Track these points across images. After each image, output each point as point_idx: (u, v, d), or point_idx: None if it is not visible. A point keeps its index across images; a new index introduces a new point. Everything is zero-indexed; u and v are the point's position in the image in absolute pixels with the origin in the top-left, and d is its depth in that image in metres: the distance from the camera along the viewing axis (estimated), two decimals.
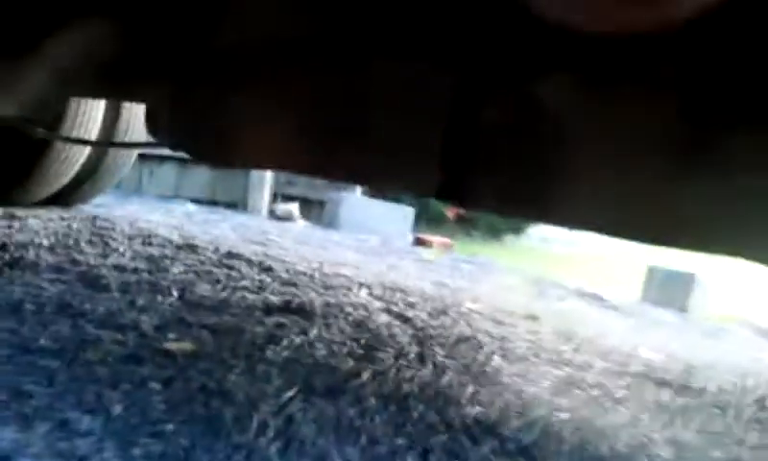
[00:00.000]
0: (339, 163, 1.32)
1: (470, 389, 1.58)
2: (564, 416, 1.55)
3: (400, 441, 1.17)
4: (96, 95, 2.24)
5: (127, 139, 2.80)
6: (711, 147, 1.04)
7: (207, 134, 1.37)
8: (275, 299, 1.92)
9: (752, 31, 0.98)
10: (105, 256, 2.14)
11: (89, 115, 2.69)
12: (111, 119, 2.83)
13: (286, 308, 1.85)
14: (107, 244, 2.33)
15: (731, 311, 5.16)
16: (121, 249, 2.28)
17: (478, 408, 1.45)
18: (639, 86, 1.07)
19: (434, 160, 1.19)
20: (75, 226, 2.63)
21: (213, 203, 6.42)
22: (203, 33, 1.32)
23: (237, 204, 6.73)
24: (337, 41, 1.20)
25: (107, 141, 2.75)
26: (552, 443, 1.35)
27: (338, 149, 1.26)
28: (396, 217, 6.15)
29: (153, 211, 4.09)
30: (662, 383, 2.05)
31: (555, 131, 1.09)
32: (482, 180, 1.18)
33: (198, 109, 1.35)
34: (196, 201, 6.05)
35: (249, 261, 2.44)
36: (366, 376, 1.45)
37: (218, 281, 2.02)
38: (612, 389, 1.86)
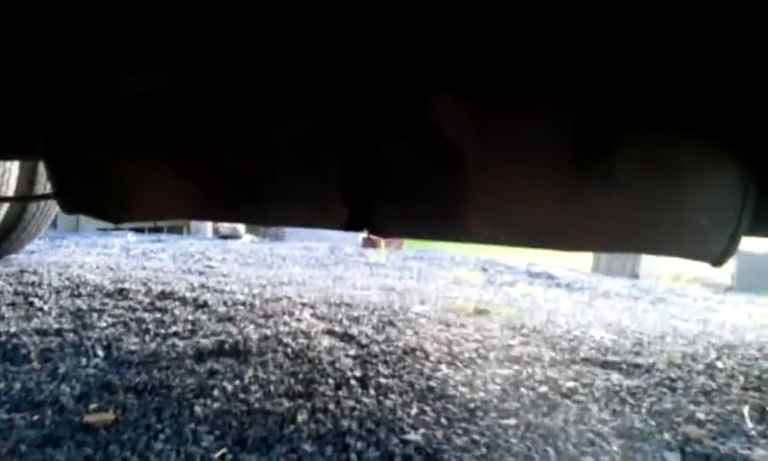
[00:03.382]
0: (241, 212, 1.26)
1: (414, 410, 1.54)
2: (512, 422, 1.52)
3: None
4: None
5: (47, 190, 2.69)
6: (604, 156, 1.03)
7: (105, 197, 1.30)
8: (207, 342, 1.85)
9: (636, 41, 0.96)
10: (28, 319, 2.03)
11: (6, 169, 2.57)
12: (30, 171, 2.72)
13: (219, 351, 1.77)
14: (30, 304, 2.21)
15: (682, 270, 5.25)
16: (46, 307, 2.17)
17: (421, 431, 1.41)
18: (531, 100, 1.04)
19: (336, 197, 1.15)
20: None
21: (156, 229, 6.26)
22: (89, 91, 1.24)
23: (181, 227, 6.58)
24: (228, 94, 1.15)
25: (24, 195, 2.63)
26: (497, 457, 1.32)
27: (237, 200, 1.20)
28: None
29: (88, 251, 3.95)
30: (612, 366, 2.05)
31: (451, 154, 1.06)
32: (386, 208, 1.14)
33: (90, 171, 1.28)
34: (138, 230, 5.89)
35: (182, 300, 2.35)
36: (302, 417, 1.40)
37: (147, 331, 1.93)
38: (561, 381, 1.84)
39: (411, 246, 5.53)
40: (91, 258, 3.57)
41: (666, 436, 1.52)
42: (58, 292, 2.43)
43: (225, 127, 1.14)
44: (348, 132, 1.10)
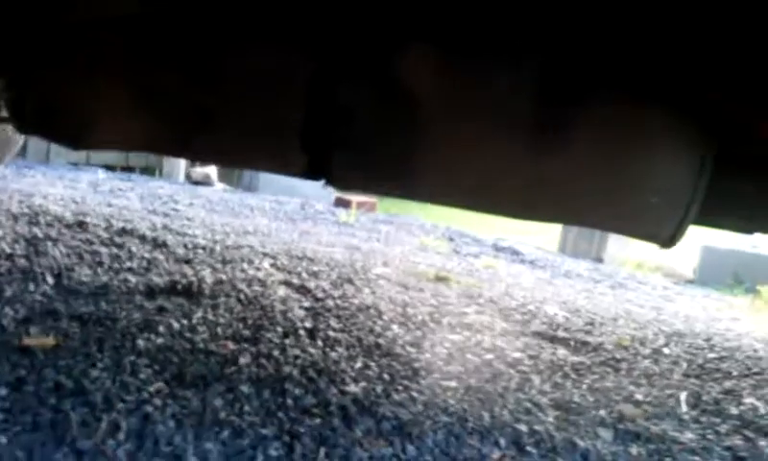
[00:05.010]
0: (196, 148, 1.25)
1: (359, 364, 1.55)
2: (452, 384, 1.54)
3: (268, 430, 1.13)
4: None
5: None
6: (568, 121, 1.03)
7: (63, 119, 1.28)
8: (160, 280, 1.84)
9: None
10: None
11: None
12: None
13: (171, 290, 1.77)
14: None
15: (646, 258, 5.32)
16: (0, 232, 2.14)
17: (362, 384, 1.42)
18: (496, 59, 1.04)
19: (294, 142, 1.14)
20: None
21: (129, 169, 6.17)
22: (49, 12, 1.21)
23: (154, 169, 6.50)
24: (192, 27, 1.13)
25: None
26: (433, 416, 1.34)
27: (196, 133, 1.19)
28: None
29: (54, 183, 3.89)
30: (561, 341, 2.08)
31: (412, 107, 1.06)
32: (345, 158, 1.13)
33: (51, 95, 1.25)
34: (110, 167, 5.81)
35: (142, 238, 2.34)
36: (244, 361, 1.40)
37: (101, 264, 1.92)
38: (508, 351, 1.87)
39: (383, 210, 5.53)
40: (56, 190, 3.51)
41: (602, 413, 1.56)
42: (15, 219, 2.40)
43: (180, 56, 1.12)
44: (311, 76, 1.09)
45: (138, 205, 3.44)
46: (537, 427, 1.39)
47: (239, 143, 1.20)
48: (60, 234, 2.19)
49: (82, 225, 2.40)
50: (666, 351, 2.21)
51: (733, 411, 1.71)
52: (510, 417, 1.43)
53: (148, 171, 6.22)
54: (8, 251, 1.92)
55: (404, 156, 1.10)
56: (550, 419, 1.45)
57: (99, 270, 1.86)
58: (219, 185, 5.44)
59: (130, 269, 1.91)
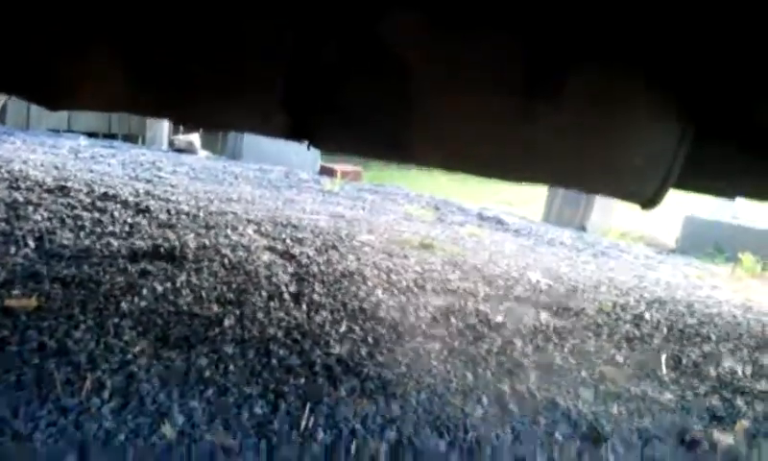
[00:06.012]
0: (180, 107, 1.23)
1: (343, 327, 1.56)
2: (437, 346, 1.56)
3: (252, 389, 1.14)
4: None
5: None
6: (554, 87, 1.03)
7: (40, 78, 1.25)
8: (143, 244, 1.83)
9: None
10: None
11: None
12: None
13: (155, 254, 1.76)
14: None
15: (630, 228, 5.37)
16: None
17: (347, 346, 1.43)
18: (486, 28, 1.03)
19: (278, 103, 1.13)
20: None
21: (111, 136, 6.10)
22: None
23: (136, 136, 6.43)
24: None
25: None
26: (417, 376, 1.35)
27: (176, 93, 1.17)
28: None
29: (35, 149, 3.84)
30: (543, 306, 2.10)
31: (398, 72, 1.05)
32: (329, 122, 1.13)
33: (23, 51, 1.22)
34: (92, 134, 5.74)
35: (124, 203, 2.31)
36: (228, 323, 1.41)
37: (82, 228, 1.90)
38: (491, 315, 1.89)
39: (368, 179, 5.52)
40: (37, 156, 3.46)
41: (584, 374, 1.58)
42: None
43: (163, 17, 1.10)
44: (296, 39, 1.07)
45: (120, 171, 3.41)
46: (519, 387, 1.41)
47: (224, 104, 1.19)
48: (40, 199, 2.16)
49: (63, 190, 2.37)
50: (647, 316, 2.24)
51: (712, 373, 1.74)
52: (493, 377, 1.44)
53: (130, 138, 6.14)
54: None
55: (389, 118, 1.10)
56: (532, 379, 1.47)
57: (81, 234, 1.84)
58: (202, 153, 5.39)
59: (112, 233, 1.90)
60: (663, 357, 1.80)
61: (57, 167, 3.08)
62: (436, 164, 1.21)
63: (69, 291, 1.40)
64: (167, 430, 0.97)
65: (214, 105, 1.19)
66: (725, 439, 1.36)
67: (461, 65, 1.08)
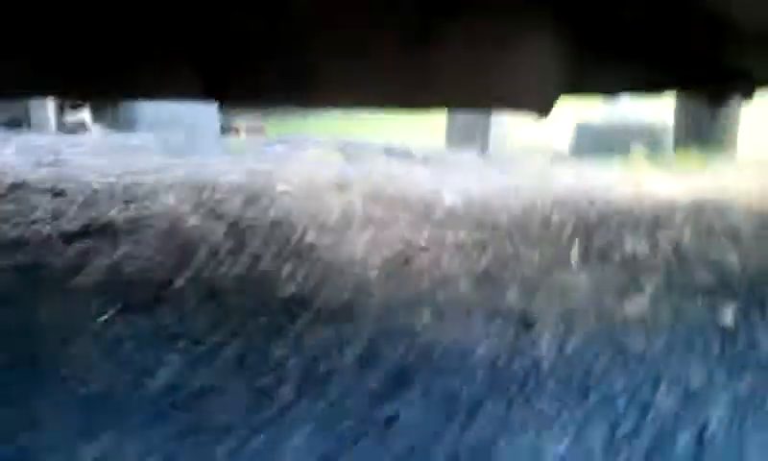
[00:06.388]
0: (98, 80, 1.27)
1: (287, 269, 1.66)
2: (374, 273, 1.69)
3: (219, 337, 1.23)
4: None
5: None
6: (445, 25, 1.14)
7: None
8: (72, 226, 1.85)
9: None
10: None
11: None
12: None
13: (86, 233, 1.78)
14: None
15: (530, 142, 5.66)
16: None
17: (294, 286, 1.54)
18: None
19: (189, 64, 1.19)
20: None
21: None
22: None
23: (20, 121, 6.11)
24: None
25: None
26: (362, 300, 1.48)
27: (78, 67, 1.20)
28: (201, 106, 5.90)
29: None
30: (461, 226, 2.27)
31: (298, 20, 1.13)
32: (238, 78, 1.20)
33: None
34: None
35: (38, 190, 2.29)
36: (180, 282, 1.48)
37: (5, 220, 1.89)
38: (416, 239, 2.03)
39: (272, 133, 5.52)
40: None
41: (506, 275, 1.76)
42: None
43: None
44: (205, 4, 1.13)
45: (19, 159, 3.29)
46: (453, 295, 1.57)
47: (131, 72, 1.23)
48: None
49: None
50: (555, 217, 2.45)
51: (617, 257, 1.97)
52: (428, 291, 1.59)
53: (15, 123, 5.84)
54: None
55: (294, 70, 1.18)
56: (466, 286, 1.63)
57: (5, 226, 1.83)
58: (94, 128, 5.23)
59: (37, 220, 1.89)
60: (573, 249, 2.01)
61: None
62: (341, 104, 1.31)
63: (15, 278, 1.43)
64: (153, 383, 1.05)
65: (122, 71, 1.23)
66: (634, 308, 1.57)
67: (353, 13, 1.17)
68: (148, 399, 1.02)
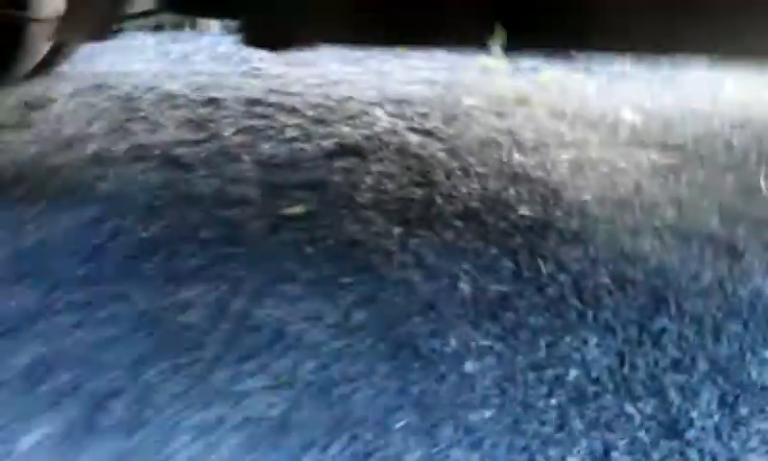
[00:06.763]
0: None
1: (512, 191, 1.95)
2: (588, 197, 1.95)
3: (491, 249, 1.56)
4: None
5: None
6: None
7: None
8: (327, 144, 2.20)
9: None
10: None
11: None
12: None
13: (343, 151, 2.13)
14: None
15: None
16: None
17: (527, 208, 1.83)
18: None
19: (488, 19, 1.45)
20: None
21: (158, 27, 6.18)
22: None
23: (182, 23, 6.48)
24: None
25: None
26: (590, 225, 1.75)
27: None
28: None
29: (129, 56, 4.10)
30: (649, 146, 2.45)
31: None
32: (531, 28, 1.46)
33: None
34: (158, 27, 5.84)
35: (273, 105, 2.65)
36: (439, 202, 1.81)
37: (269, 138, 2.26)
38: (614, 161, 2.25)
39: None
40: (140, 66, 3.75)
41: (705, 202, 1.97)
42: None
43: None
44: None
45: (223, 67, 3.67)
46: (664, 221, 1.81)
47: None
48: (204, 116, 2.52)
49: (213, 102, 2.71)
50: (736, 141, 2.58)
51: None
52: (644, 215, 1.84)
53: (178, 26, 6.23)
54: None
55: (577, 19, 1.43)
56: (672, 213, 1.87)
57: (271, 143, 2.21)
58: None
59: (293, 139, 2.26)
60: (762, 176, 2.17)
61: (172, 76, 3.38)
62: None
63: (317, 195, 1.81)
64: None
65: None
66: None
67: None
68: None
